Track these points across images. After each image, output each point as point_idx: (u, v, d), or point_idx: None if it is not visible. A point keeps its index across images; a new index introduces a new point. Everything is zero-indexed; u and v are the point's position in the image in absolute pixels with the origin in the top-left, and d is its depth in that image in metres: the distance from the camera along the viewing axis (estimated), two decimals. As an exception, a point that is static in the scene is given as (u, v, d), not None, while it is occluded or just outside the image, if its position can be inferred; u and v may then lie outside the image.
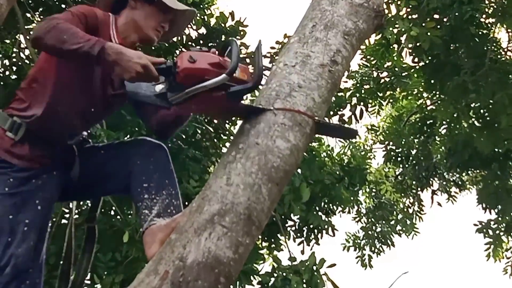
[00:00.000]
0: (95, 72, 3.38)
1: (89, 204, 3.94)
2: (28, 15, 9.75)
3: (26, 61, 10.20)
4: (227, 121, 11.59)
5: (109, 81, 3.44)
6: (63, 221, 9.53)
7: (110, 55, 2.95)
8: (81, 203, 8.70)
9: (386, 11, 10.41)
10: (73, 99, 3.35)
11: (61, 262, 3.85)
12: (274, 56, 10.62)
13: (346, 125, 3.71)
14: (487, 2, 12.13)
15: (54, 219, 8.98)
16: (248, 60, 10.60)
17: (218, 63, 2.98)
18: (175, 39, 10.85)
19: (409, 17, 11.38)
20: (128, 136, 9.08)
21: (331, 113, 12.92)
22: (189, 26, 10.92)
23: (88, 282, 9.62)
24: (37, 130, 3.33)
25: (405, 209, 17.57)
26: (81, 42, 2.97)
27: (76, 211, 8.55)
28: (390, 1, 11.38)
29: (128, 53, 2.96)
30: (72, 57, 3.08)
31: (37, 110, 3.31)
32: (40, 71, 3.40)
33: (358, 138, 17.30)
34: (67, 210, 9.72)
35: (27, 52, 10.04)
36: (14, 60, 10.50)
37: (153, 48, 10.49)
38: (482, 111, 13.09)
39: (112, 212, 10.25)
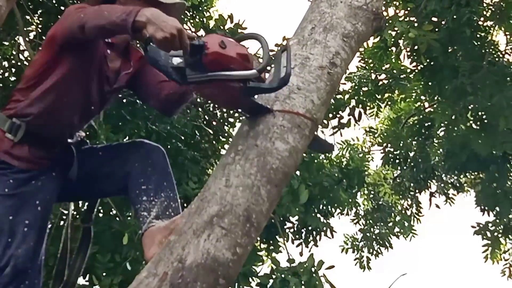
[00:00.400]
0: (92, 70, 3.38)
1: (86, 205, 3.95)
2: (27, 17, 9.76)
3: (26, 62, 10.21)
4: (226, 124, 11.62)
5: (105, 78, 3.45)
6: (62, 222, 9.52)
7: (145, 16, 2.87)
8: (80, 204, 8.70)
9: (385, 13, 10.44)
10: (71, 97, 3.36)
11: (57, 262, 3.87)
12: (273, 58, 10.62)
13: (322, 138, 3.66)
14: (485, 5, 12.15)
15: (53, 221, 8.99)
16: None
17: (246, 55, 2.95)
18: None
19: (407, 19, 11.39)
20: (127, 138, 9.10)
21: (330, 115, 12.93)
22: (187, 28, 10.93)
23: (87, 283, 9.62)
24: (36, 130, 3.34)
25: (403, 211, 17.56)
26: (120, 12, 2.94)
27: (74, 213, 8.55)
28: (388, 3, 11.39)
29: (165, 17, 2.89)
30: (112, 29, 3.03)
31: (35, 109, 3.32)
32: (37, 71, 3.40)
33: (357, 140, 17.32)
34: (66, 212, 9.73)
35: (26, 54, 10.05)
36: (13, 62, 10.50)
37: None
38: (480, 113, 13.10)
39: (111, 214, 10.25)
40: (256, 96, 3.16)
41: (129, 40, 3.61)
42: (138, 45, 3.86)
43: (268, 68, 3.17)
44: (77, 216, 8.46)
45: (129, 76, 3.60)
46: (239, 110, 3.25)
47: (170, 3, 3.56)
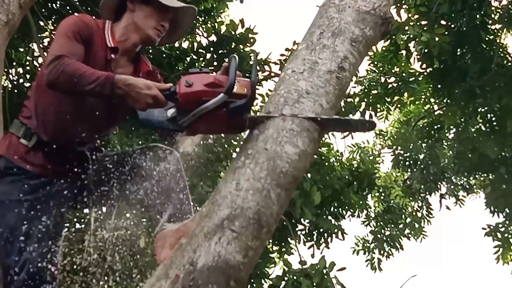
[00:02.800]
0: None
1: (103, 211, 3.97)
2: (41, 23, 9.81)
3: (40, 69, 10.27)
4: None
5: None
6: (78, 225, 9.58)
7: (120, 88, 3.04)
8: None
9: (396, 18, 10.45)
10: (74, 106, 3.38)
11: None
12: (284, 62, 10.66)
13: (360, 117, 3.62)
14: (493, 8, 12.14)
15: (69, 225, 9.04)
16: (258, 67, 10.63)
17: (212, 82, 3.04)
18: (185, 46, 10.90)
19: (418, 23, 11.38)
20: (140, 143, 9.13)
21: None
22: (199, 33, 10.97)
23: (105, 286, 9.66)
24: (45, 138, 3.38)
25: (414, 213, 17.56)
26: (92, 83, 3.05)
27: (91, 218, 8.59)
28: (400, 8, 11.40)
29: (137, 84, 3.05)
30: (87, 95, 3.19)
31: (39, 120, 3.38)
32: (38, 84, 3.46)
33: (367, 143, 17.33)
34: (81, 216, 9.77)
35: (40, 60, 10.10)
36: (28, 68, 10.55)
37: (164, 55, 10.55)
38: (489, 115, 13.09)
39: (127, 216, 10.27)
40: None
41: (138, 44, 3.64)
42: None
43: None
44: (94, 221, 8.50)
45: None
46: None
47: (178, 6, 3.61)
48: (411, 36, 11.21)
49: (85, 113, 3.43)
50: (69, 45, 3.28)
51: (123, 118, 3.84)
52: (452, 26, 11.75)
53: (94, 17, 3.59)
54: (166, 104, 3.10)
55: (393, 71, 13.81)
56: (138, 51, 3.67)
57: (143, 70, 3.67)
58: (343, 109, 12.62)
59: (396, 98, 14.49)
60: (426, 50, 11.64)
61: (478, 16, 11.41)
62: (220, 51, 10.60)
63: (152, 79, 3.63)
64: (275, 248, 12.66)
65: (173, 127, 3.15)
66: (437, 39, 10.76)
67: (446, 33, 11.25)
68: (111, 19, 3.63)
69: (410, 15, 11.53)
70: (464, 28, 11.50)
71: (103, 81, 3.03)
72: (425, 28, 11.19)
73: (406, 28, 11.00)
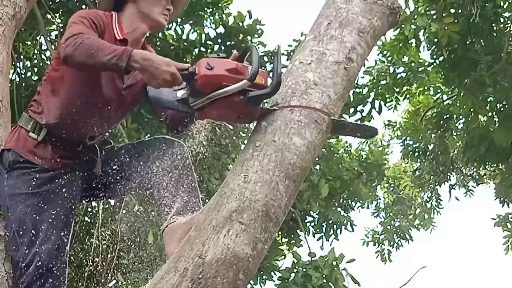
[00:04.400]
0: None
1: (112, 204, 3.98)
2: (49, 16, 9.80)
3: (48, 62, 10.26)
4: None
5: (117, 75, 3.44)
6: (87, 219, 9.60)
7: (137, 62, 2.96)
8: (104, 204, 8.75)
9: (404, 8, 10.41)
10: (85, 100, 3.37)
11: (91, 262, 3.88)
12: (292, 53, 10.63)
13: (365, 123, 3.64)
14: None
15: (78, 219, 9.06)
16: (266, 59, 10.62)
17: (235, 68, 3.02)
18: (193, 37, 10.88)
19: (427, 12, 11.33)
20: (148, 136, 9.12)
21: (351, 110, 12.92)
22: (207, 25, 10.95)
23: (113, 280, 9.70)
24: (55, 131, 3.38)
25: (423, 204, 17.56)
26: (109, 54, 2.99)
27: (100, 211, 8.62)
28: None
29: (155, 60, 2.98)
30: (102, 69, 3.15)
31: (50, 116, 3.37)
32: (50, 77, 3.46)
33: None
34: (89, 209, 9.79)
35: (48, 53, 10.10)
36: (36, 61, 10.56)
37: (171, 47, 10.54)
38: (499, 105, 13.04)
39: (135, 211, 10.29)
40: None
41: (147, 33, 3.63)
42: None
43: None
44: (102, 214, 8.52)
45: None
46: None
47: None
48: (420, 26, 11.15)
49: (96, 107, 3.43)
50: (85, 29, 3.27)
51: (131, 110, 3.83)
52: (462, 15, 11.68)
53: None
54: (180, 84, 3.04)
55: (402, 61, 13.75)
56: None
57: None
58: (351, 100, 12.59)
59: (405, 88, 14.44)
60: (435, 40, 11.60)
61: (487, 4, 11.33)
62: (227, 43, 10.58)
63: None
64: (284, 240, 12.68)
65: (183, 108, 3.12)
66: (446, 28, 10.71)
67: (455, 21, 11.20)
68: (109, 10, 3.61)
69: (418, 5, 11.47)
70: (474, 17, 11.41)
71: (120, 53, 2.97)
72: (434, 17, 11.13)
73: (415, 18, 10.94)
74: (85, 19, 3.35)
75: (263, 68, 3.12)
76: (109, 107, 3.46)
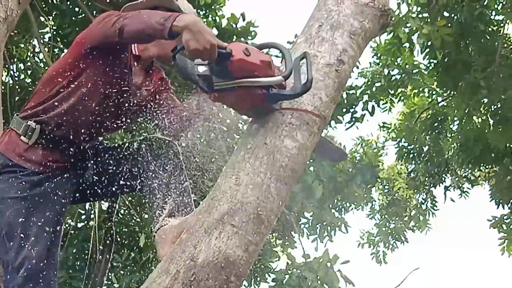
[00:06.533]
0: (115, 78, 3.38)
1: (106, 206, 3.97)
2: (42, 19, 9.80)
3: (41, 64, 10.26)
4: (240, 121, 11.61)
5: (126, 90, 3.43)
6: (80, 224, 9.60)
7: (184, 21, 2.89)
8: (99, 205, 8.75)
9: (397, 11, 10.43)
10: (89, 102, 3.34)
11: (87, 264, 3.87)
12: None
13: (338, 145, 3.61)
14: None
15: (71, 221, 9.06)
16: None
17: (269, 62, 3.01)
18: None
19: (420, 16, 11.35)
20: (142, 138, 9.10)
21: (344, 110, 12.94)
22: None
23: (107, 282, 9.70)
24: (51, 132, 3.36)
25: (418, 205, 17.59)
26: (158, 16, 2.97)
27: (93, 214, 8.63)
28: (400, 0, 11.35)
29: (203, 26, 2.90)
30: (153, 35, 3.04)
31: (52, 111, 3.35)
32: (58, 74, 3.40)
33: (370, 135, 17.33)
34: (83, 212, 9.79)
35: (41, 56, 10.09)
36: (29, 64, 10.56)
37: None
38: (493, 107, 13.07)
39: (129, 213, 10.30)
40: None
41: (154, 58, 3.61)
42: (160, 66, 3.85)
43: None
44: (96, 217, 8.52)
45: (148, 93, 3.61)
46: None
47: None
48: (413, 28, 11.16)
49: (96, 110, 3.40)
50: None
51: (132, 120, 3.79)
52: (455, 18, 11.70)
53: None
54: (214, 60, 2.95)
55: (396, 63, 13.76)
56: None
57: (155, 77, 3.66)
58: (345, 101, 12.61)
59: (400, 90, 14.45)
60: (429, 43, 11.62)
61: (477, 7, 11.36)
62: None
63: (165, 86, 3.69)
64: (278, 241, 12.69)
65: (203, 85, 3.05)
66: (438, 31, 10.72)
67: (449, 25, 11.21)
68: None
69: (410, 7, 11.48)
70: (464, 20, 11.44)
71: (169, 15, 2.93)
72: (427, 21, 11.14)
73: (407, 20, 10.95)
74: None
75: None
76: (108, 116, 3.44)
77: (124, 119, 3.59)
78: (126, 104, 3.48)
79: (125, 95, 3.45)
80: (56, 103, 3.36)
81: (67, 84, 3.35)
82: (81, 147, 3.48)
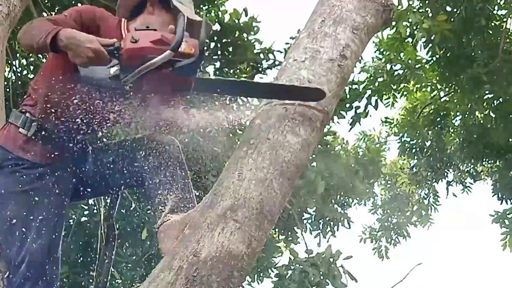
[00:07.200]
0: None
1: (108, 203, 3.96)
2: (45, 14, 9.79)
3: (43, 60, 10.26)
4: (242, 117, 11.60)
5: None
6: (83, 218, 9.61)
7: (62, 40, 2.95)
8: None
9: (398, 5, 10.41)
10: (78, 95, 3.36)
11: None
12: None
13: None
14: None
15: (73, 216, 9.07)
16: (262, 56, 10.63)
17: (160, 40, 2.96)
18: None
19: (421, 10, 11.33)
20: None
21: (347, 106, 12.93)
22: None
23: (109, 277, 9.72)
24: (46, 125, 3.37)
25: (420, 200, 17.60)
26: (42, 32, 2.99)
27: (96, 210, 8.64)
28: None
29: (78, 37, 2.95)
30: (36, 49, 3.10)
31: (40, 105, 3.37)
32: (43, 69, 3.48)
33: (373, 130, 17.33)
34: (86, 207, 9.80)
35: (44, 51, 10.09)
36: (31, 59, 10.56)
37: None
38: (496, 102, 13.06)
39: (131, 208, 10.31)
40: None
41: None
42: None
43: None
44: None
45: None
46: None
47: (198, 20, 3.56)
48: (413, 23, 11.15)
49: (70, 103, 3.39)
50: (61, 18, 3.28)
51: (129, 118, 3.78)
52: (457, 12, 11.68)
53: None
54: (109, 60, 2.99)
55: (399, 58, 13.75)
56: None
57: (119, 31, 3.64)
58: (348, 96, 12.60)
59: (402, 85, 14.44)
60: (432, 38, 11.60)
61: (479, 1, 11.34)
62: (223, 40, 10.58)
63: None
64: (281, 237, 12.70)
65: (116, 85, 3.06)
66: (438, 26, 10.69)
67: (451, 20, 11.20)
68: (125, 17, 3.60)
69: (411, 2, 11.47)
70: (466, 15, 11.42)
71: (50, 30, 2.97)
72: (430, 15, 11.12)
73: (408, 16, 10.93)
74: (74, 11, 3.37)
75: (192, 37, 3.03)
76: (104, 105, 3.44)
77: (122, 115, 3.60)
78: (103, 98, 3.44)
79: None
80: (38, 97, 3.38)
81: (42, 76, 3.38)
82: (80, 141, 3.48)
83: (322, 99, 3.18)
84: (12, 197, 3.27)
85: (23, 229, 3.21)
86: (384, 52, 13.59)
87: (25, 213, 3.23)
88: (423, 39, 11.92)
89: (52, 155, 3.38)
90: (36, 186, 3.31)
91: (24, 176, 3.30)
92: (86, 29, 3.25)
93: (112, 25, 3.48)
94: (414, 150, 16.12)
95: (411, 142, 16.11)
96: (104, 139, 3.73)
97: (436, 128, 15.31)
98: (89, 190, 3.58)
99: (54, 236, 3.29)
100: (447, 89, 14.07)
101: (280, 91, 3.25)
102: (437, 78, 13.81)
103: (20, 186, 3.28)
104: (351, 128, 12.88)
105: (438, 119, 15.11)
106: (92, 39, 2.95)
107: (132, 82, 3.01)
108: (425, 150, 15.92)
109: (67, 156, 3.44)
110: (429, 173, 16.55)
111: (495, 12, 12.14)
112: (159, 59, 2.91)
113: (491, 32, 12.05)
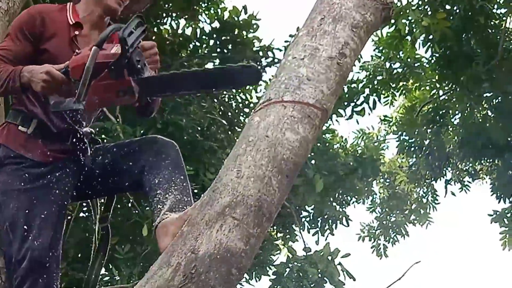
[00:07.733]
0: (56, 54, 3.40)
1: (104, 205, 3.97)
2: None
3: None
4: (241, 114, 11.61)
5: None
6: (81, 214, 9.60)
7: (24, 76, 3.13)
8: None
9: (398, 3, 10.41)
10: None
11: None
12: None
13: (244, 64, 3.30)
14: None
15: (72, 213, 9.06)
16: (261, 53, 10.63)
17: (85, 56, 3.01)
18: (188, 32, 10.88)
19: (420, 8, 11.34)
20: (143, 131, 9.11)
21: (345, 104, 12.94)
22: (202, 20, 10.95)
23: (107, 275, 9.72)
24: (42, 122, 3.38)
25: (419, 199, 17.61)
26: (6, 80, 3.18)
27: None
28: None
29: (34, 68, 3.11)
30: (9, 94, 3.41)
31: (29, 103, 3.38)
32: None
33: (372, 129, 17.34)
34: (84, 204, 9.79)
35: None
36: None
37: (167, 42, 10.53)
38: (495, 100, 13.07)
39: (130, 205, 10.31)
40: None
41: (107, 21, 3.65)
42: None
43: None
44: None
45: None
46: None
47: None
48: (413, 20, 11.15)
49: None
50: (10, 45, 3.39)
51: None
52: (457, 10, 11.69)
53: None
54: (64, 81, 3.06)
55: (398, 56, 13.75)
56: (109, 22, 3.66)
57: (115, 40, 3.65)
58: (346, 95, 12.61)
59: (401, 83, 14.45)
60: (430, 36, 11.61)
61: (478, 0, 11.35)
62: (223, 38, 10.60)
63: None
64: (279, 235, 12.71)
65: (77, 107, 3.06)
66: (437, 23, 10.70)
67: (451, 18, 11.20)
68: (74, 1, 3.67)
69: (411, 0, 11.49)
70: (465, 13, 11.43)
71: (13, 74, 3.15)
72: (429, 13, 11.13)
73: (408, 14, 10.93)
74: (14, 30, 3.45)
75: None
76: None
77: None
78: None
79: None
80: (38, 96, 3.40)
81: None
82: (79, 139, 3.47)
83: (259, 79, 3.21)
84: (14, 195, 3.29)
85: (25, 227, 3.23)
86: (383, 50, 13.60)
87: (27, 211, 3.25)
88: (422, 37, 11.92)
89: (52, 154, 3.39)
90: (38, 184, 3.33)
91: (27, 175, 3.32)
92: (36, 35, 3.41)
93: (57, 18, 3.54)
94: (413, 149, 16.13)
95: (410, 141, 16.11)
96: (107, 138, 3.74)
97: (435, 126, 15.31)
98: (89, 190, 3.59)
99: (55, 234, 3.30)
100: (446, 88, 14.09)
101: (212, 76, 3.31)
102: (436, 76, 13.83)
103: (22, 184, 3.30)
104: (348, 118, 12.90)
105: (437, 117, 15.12)
106: (45, 66, 3.12)
107: (84, 96, 3.02)
108: (424, 148, 15.92)
109: (67, 155, 3.45)
110: (427, 172, 16.55)
111: (494, 10, 12.14)
112: (90, 59, 2.96)
113: (490, 30, 12.07)
